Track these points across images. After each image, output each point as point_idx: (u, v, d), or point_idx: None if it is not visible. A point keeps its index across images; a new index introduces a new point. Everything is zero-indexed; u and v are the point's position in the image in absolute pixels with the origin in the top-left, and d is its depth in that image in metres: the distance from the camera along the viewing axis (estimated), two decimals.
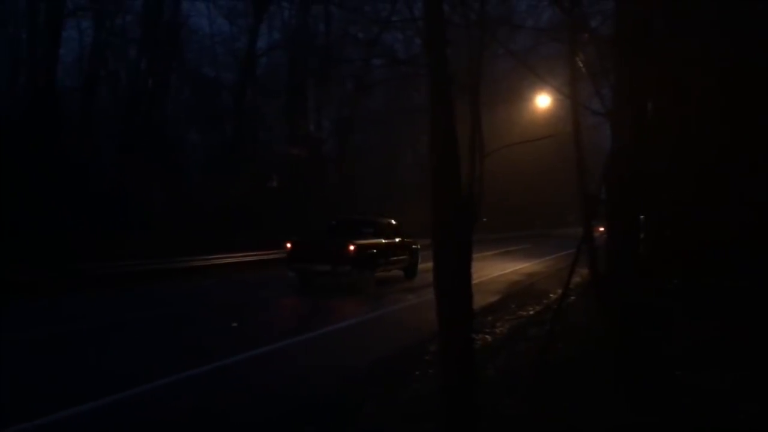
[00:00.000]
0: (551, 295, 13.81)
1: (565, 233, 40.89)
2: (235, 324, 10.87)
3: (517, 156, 37.89)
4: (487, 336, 9.98)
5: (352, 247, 14.37)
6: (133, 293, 14.83)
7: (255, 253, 21.47)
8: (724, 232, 7.42)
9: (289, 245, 15.37)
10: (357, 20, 26.86)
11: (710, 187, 7.91)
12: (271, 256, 21.85)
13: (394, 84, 29.52)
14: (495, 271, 20.21)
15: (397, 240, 16.86)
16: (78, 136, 23.20)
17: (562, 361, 6.54)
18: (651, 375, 4.43)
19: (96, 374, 7.52)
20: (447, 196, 4.09)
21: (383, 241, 16.04)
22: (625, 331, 4.53)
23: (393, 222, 17.64)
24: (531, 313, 12.04)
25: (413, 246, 17.52)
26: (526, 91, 24.47)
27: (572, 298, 12.79)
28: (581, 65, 8.20)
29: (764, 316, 5.99)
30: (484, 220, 40.31)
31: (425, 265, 13.82)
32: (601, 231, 10.07)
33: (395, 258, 16.76)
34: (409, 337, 9.63)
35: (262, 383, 7.48)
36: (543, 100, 17.62)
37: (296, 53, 30.32)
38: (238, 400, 6.77)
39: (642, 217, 10.94)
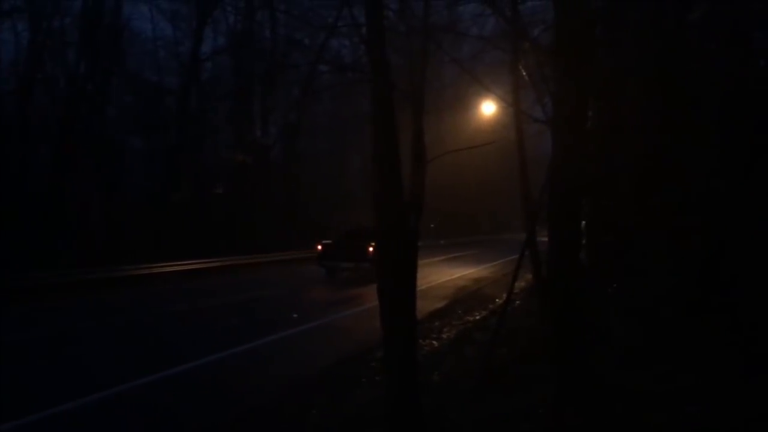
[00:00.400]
0: (497, 299, 14.00)
1: (511, 238, 41.63)
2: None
3: (465, 163, 38.49)
4: (434, 341, 10.03)
5: (371, 249, 17.70)
6: (70, 304, 14.30)
7: (199, 261, 21.01)
8: (660, 237, 7.69)
9: (319, 247, 19.57)
10: (303, 26, 26.75)
11: (646, 194, 8.17)
12: (215, 264, 21.47)
13: (341, 90, 29.46)
14: (442, 276, 20.36)
15: None
16: (14, 141, 22.28)
17: (505, 365, 6.62)
18: (587, 378, 4.52)
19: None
20: (389, 202, 4.08)
21: None
22: (563, 334, 4.60)
23: None
24: (477, 317, 12.17)
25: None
26: (472, 99, 24.78)
27: (517, 302, 13.02)
28: (524, 73, 8.38)
29: (694, 319, 6.23)
30: (432, 226, 40.85)
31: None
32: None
33: None
34: (358, 344, 9.57)
35: (213, 391, 7.37)
36: (488, 108, 17.86)
37: (241, 58, 29.94)
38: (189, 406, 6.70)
39: (584, 222, 11.20)
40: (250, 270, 22.70)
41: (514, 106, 8.98)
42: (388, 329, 4.40)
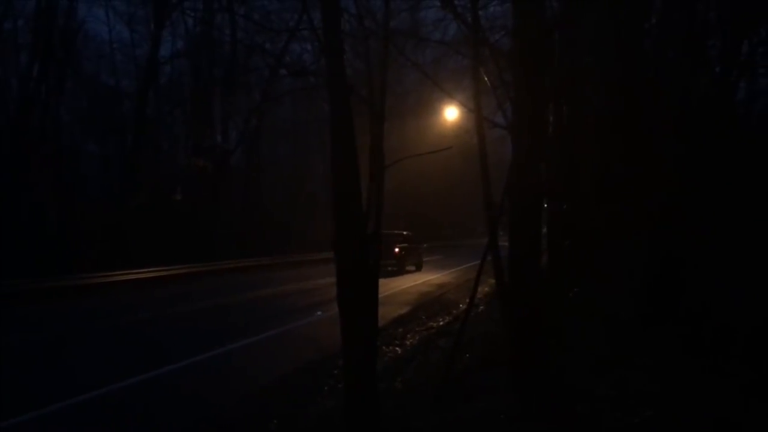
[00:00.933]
0: (461, 305, 14.01)
1: (475, 243, 41.91)
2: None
3: (428, 169, 38.63)
4: (397, 348, 9.98)
5: (396, 250, 22.75)
6: (16, 314, 13.79)
7: (158, 268, 20.56)
8: (619, 242, 7.79)
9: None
10: (263, 29, 26.46)
11: (604, 198, 8.27)
12: (173, 272, 21.05)
13: (303, 94, 29.27)
14: (406, 282, 20.35)
15: (413, 245, 25.76)
16: None
17: (468, 371, 6.60)
18: (546, 383, 4.52)
19: None
20: (347, 207, 4.02)
21: (407, 245, 24.58)
22: (523, 339, 4.59)
23: (411, 234, 26.30)
24: (441, 323, 12.16)
25: (420, 249, 27.11)
26: (435, 103, 24.86)
27: (481, 308, 13.06)
28: (486, 79, 8.38)
29: (653, 324, 6.31)
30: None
31: None
32: None
33: (414, 257, 25.53)
34: (321, 351, 9.44)
35: (167, 403, 7.15)
36: (451, 113, 17.92)
37: (200, 62, 29.50)
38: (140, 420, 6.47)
39: (545, 227, 11.26)
40: (210, 277, 22.35)
41: (475, 111, 8.98)
42: (348, 338, 4.32)
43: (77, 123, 29.59)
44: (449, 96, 10.45)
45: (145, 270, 19.89)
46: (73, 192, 24.97)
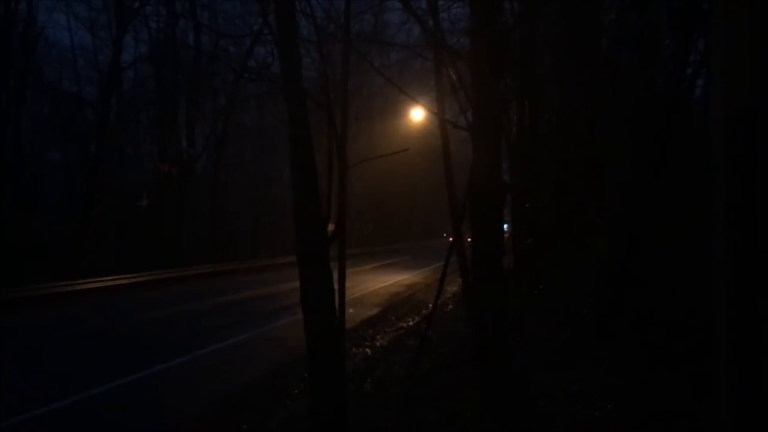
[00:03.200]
0: (429, 305, 14.08)
1: (443, 243, 42.16)
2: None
3: (396, 170, 38.74)
4: (367, 349, 10.01)
5: None
6: None
7: (122, 276, 20.21)
8: (579, 241, 7.95)
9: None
10: (227, 34, 26.28)
11: (563, 198, 8.43)
12: (138, 279, 20.73)
13: (268, 98, 29.13)
14: (375, 283, 20.38)
15: None
16: None
17: (434, 371, 6.67)
18: (509, 380, 4.60)
19: None
20: (306, 209, 4.04)
21: None
22: (486, 338, 4.67)
23: None
24: (410, 323, 12.23)
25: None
26: (402, 105, 24.98)
27: (450, 307, 13.18)
28: (454, 79, 8.46)
29: (613, 320, 6.46)
30: (364, 233, 40.88)
31: None
32: None
33: None
34: (291, 354, 9.42)
35: (133, 411, 7.06)
36: (417, 114, 18.05)
37: (164, 66, 29.13)
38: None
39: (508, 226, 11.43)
40: (177, 283, 22.09)
41: (438, 114, 9.09)
42: (313, 339, 4.34)
43: (39, 130, 28.97)
44: (413, 99, 10.56)
45: (109, 278, 19.52)
46: (34, 200, 24.45)
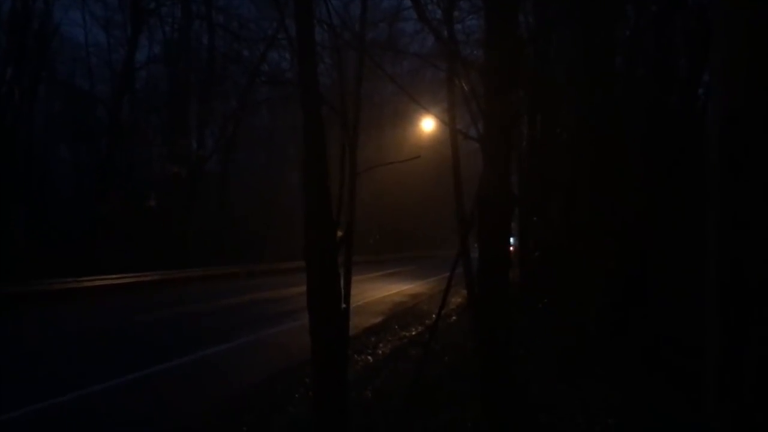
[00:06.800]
0: (433, 315, 13.96)
1: (449, 254, 42.05)
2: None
3: (404, 180, 38.78)
4: (369, 357, 9.98)
5: None
6: None
7: (128, 275, 20.27)
8: (587, 255, 7.90)
9: None
10: (241, 37, 26.45)
11: (573, 211, 8.40)
12: (144, 279, 20.80)
13: (279, 103, 29.23)
14: (380, 292, 20.34)
15: None
16: None
17: (437, 381, 6.64)
18: (512, 393, 4.58)
19: None
20: (318, 214, 4.04)
21: None
22: (490, 350, 4.65)
23: None
24: (413, 333, 12.19)
25: None
26: (413, 114, 25.01)
27: (454, 318, 13.13)
28: (466, 89, 8.46)
29: (619, 335, 6.43)
30: (371, 242, 40.86)
31: None
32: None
33: None
34: (292, 359, 9.41)
35: (133, 412, 7.06)
36: (428, 124, 18.04)
37: (177, 68, 29.30)
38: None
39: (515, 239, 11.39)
40: (182, 284, 22.14)
41: (449, 124, 9.08)
42: (317, 345, 4.33)
43: (50, 127, 29.15)
44: (424, 108, 10.56)
45: (115, 276, 19.59)
46: (44, 197, 24.57)
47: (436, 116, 9.44)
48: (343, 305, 4.42)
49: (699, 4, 8.44)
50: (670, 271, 6.83)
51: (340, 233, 4.28)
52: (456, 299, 16.24)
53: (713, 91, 1.73)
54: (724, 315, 1.60)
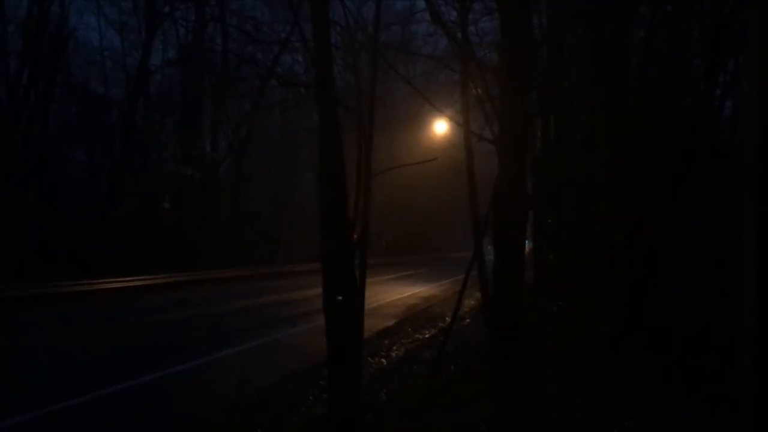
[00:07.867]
0: (447, 318, 13.98)
1: (463, 257, 41.93)
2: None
3: (418, 182, 38.74)
4: (383, 359, 9.97)
5: None
6: None
7: (142, 277, 20.39)
8: (599, 258, 7.87)
9: None
10: (254, 40, 26.56)
11: (585, 217, 8.36)
12: (158, 281, 20.90)
13: (293, 105, 29.32)
14: (393, 294, 20.32)
15: None
16: None
17: (450, 383, 6.62)
18: (525, 394, 4.56)
19: None
20: (334, 216, 4.05)
21: None
22: (503, 351, 4.63)
23: None
24: (426, 336, 12.16)
25: None
26: (426, 116, 24.97)
27: (467, 320, 13.08)
28: (480, 91, 8.46)
29: (632, 337, 6.38)
30: (384, 244, 40.87)
31: None
32: None
33: None
34: (305, 361, 9.42)
35: (150, 411, 7.11)
36: (441, 126, 17.99)
37: (191, 71, 29.49)
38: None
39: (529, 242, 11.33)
40: (196, 286, 22.25)
41: (463, 126, 9.09)
42: (333, 347, 4.34)
43: (65, 130, 29.42)
44: (438, 110, 10.56)
45: (129, 279, 19.71)
46: (58, 199, 24.79)
47: (450, 118, 9.43)
48: (358, 307, 4.44)
49: (715, 3, 8.37)
50: (682, 270, 6.78)
51: (355, 235, 4.29)
52: (469, 301, 16.19)
53: (749, 85, 1.71)
54: (760, 316, 1.56)
